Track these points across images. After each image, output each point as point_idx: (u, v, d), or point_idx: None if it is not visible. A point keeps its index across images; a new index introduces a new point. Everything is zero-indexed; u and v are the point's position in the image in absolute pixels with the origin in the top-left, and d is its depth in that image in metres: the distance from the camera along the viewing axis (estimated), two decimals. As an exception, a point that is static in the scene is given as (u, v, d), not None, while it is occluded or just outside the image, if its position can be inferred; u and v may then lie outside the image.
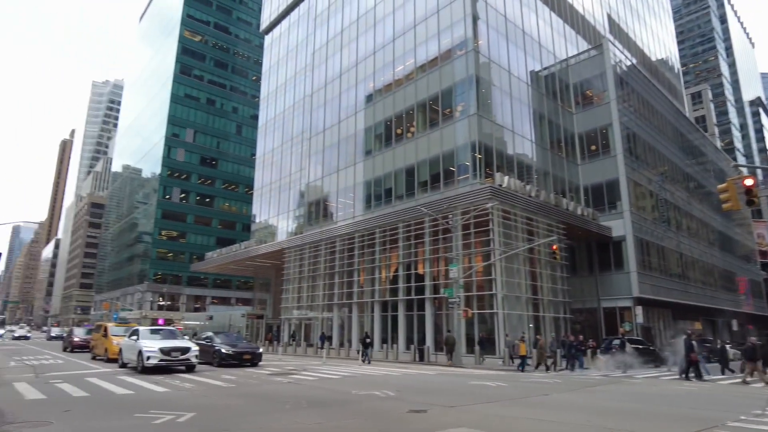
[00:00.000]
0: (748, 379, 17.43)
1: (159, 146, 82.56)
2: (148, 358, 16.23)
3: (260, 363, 21.09)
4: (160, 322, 58.55)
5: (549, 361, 22.61)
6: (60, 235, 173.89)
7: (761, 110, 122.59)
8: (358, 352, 27.15)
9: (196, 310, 76.78)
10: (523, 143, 34.43)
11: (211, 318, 56.55)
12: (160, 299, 75.70)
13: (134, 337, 18.04)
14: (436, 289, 30.07)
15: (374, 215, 35.24)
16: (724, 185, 15.17)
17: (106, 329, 23.31)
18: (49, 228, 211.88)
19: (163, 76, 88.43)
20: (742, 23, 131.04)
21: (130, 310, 78.48)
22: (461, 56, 32.41)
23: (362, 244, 35.66)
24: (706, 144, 57.11)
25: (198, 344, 19.76)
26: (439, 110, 33.76)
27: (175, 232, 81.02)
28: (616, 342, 24.29)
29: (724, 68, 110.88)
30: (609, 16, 51.46)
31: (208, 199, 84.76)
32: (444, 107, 33.55)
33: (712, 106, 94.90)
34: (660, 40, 63.31)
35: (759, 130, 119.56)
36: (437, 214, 27.92)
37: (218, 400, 10.92)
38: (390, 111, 37.72)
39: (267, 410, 9.63)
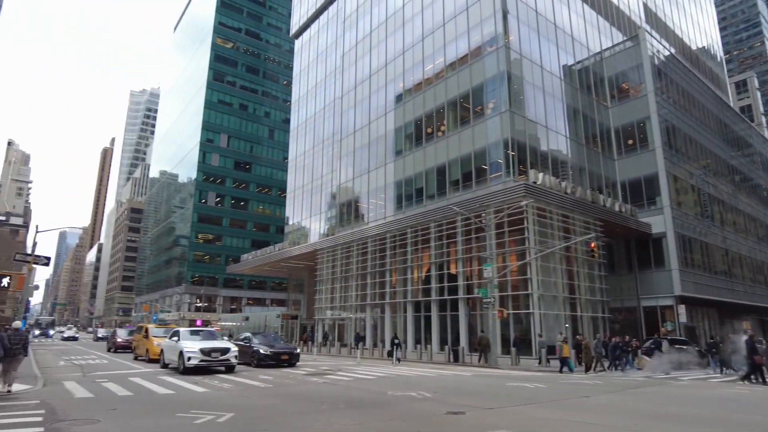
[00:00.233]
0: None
1: (194, 152, 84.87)
2: (189, 358, 16.59)
3: (297, 363, 21.33)
4: (198, 323, 59.97)
5: (594, 363, 21.93)
6: (102, 239, 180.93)
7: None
8: (389, 354, 27.11)
9: (232, 311, 78.49)
10: (557, 139, 33.67)
11: (247, 319, 57.69)
12: (198, 301, 77.65)
13: (175, 338, 18.50)
14: (469, 289, 29.75)
15: (405, 215, 35.14)
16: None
17: (147, 330, 24.03)
18: (92, 233, 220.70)
19: (197, 83, 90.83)
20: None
21: (169, 311, 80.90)
22: (492, 53, 31.97)
23: (394, 245, 35.64)
24: (753, 134, 54.45)
25: (236, 345, 20.10)
26: (470, 108, 33.39)
27: (211, 235, 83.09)
28: (660, 341, 23.44)
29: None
30: (645, 5, 49.72)
31: (242, 203, 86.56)
32: (475, 105, 33.16)
33: (758, 94, 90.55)
34: (701, 28, 60.71)
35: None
36: (470, 213, 27.58)
37: (256, 400, 11.07)
38: (420, 110, 37.58)
39: (304, 410, 9.68)
